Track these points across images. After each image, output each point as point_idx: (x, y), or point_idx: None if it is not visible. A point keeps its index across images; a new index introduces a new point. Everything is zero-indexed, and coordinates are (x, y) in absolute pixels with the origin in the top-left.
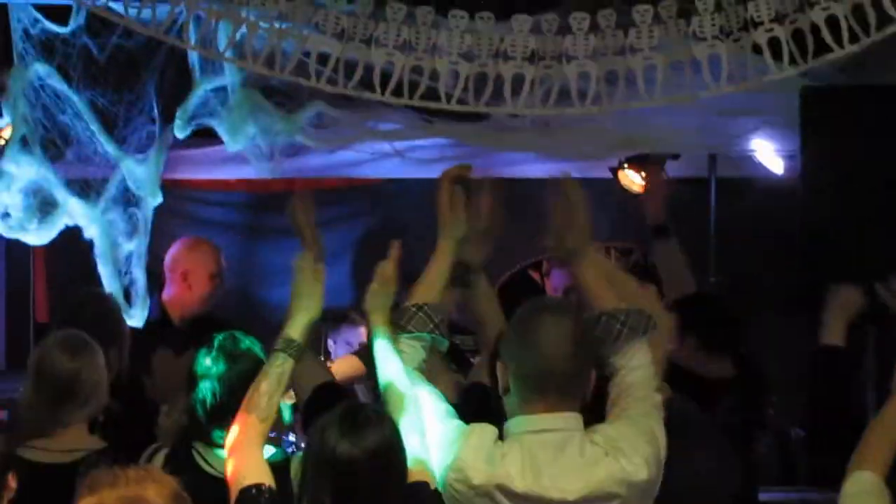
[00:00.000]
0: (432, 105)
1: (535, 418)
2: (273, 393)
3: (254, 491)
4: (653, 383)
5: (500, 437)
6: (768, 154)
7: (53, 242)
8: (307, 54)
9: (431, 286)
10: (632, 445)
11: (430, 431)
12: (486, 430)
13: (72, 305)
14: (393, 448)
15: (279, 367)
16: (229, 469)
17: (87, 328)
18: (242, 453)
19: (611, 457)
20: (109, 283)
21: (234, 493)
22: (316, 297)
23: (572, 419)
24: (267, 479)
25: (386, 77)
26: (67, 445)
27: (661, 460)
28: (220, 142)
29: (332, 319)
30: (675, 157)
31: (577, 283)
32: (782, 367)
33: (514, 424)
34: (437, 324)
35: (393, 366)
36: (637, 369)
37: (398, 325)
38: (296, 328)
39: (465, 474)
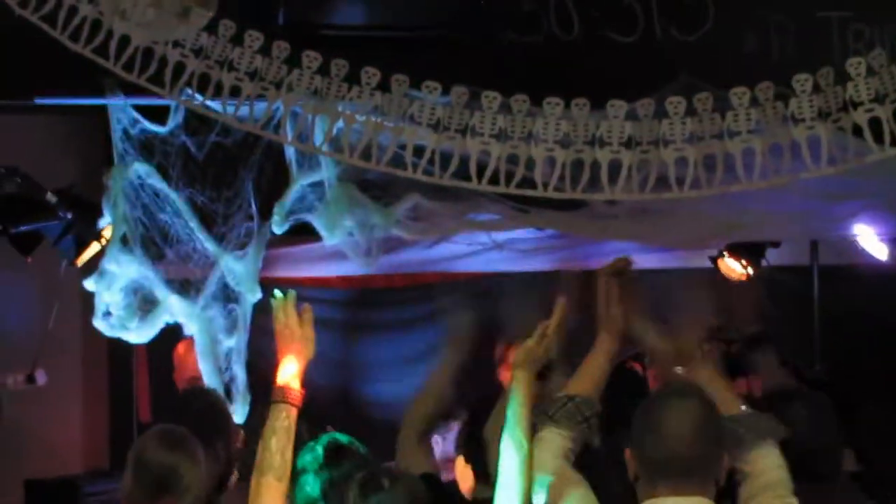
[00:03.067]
0: (529, 193)
1: (661, 501)
2: (285, 448)
3: None
4: (789, 486)
5: None
6: (871, 239)
7: (156, 341)
8: (403, 146)
9: (586, 379)
10: None
11: None
12: None
13: (177, 401)
14: None
15: (284, 419)
16: None
17: (193, 423)
18: None
19: None
20: (210, 380)
21: None
22: (307, 341)
23: (700, 503)
24: None
25: (482, 167)
26: None
27: None
28: (319, 238)
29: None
30: (776, 244)
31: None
32: (890, 457)
33: None
34: (586, 417)
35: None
36: (766, 472)
37: (546, 415)
38: (290, 375)
39: None
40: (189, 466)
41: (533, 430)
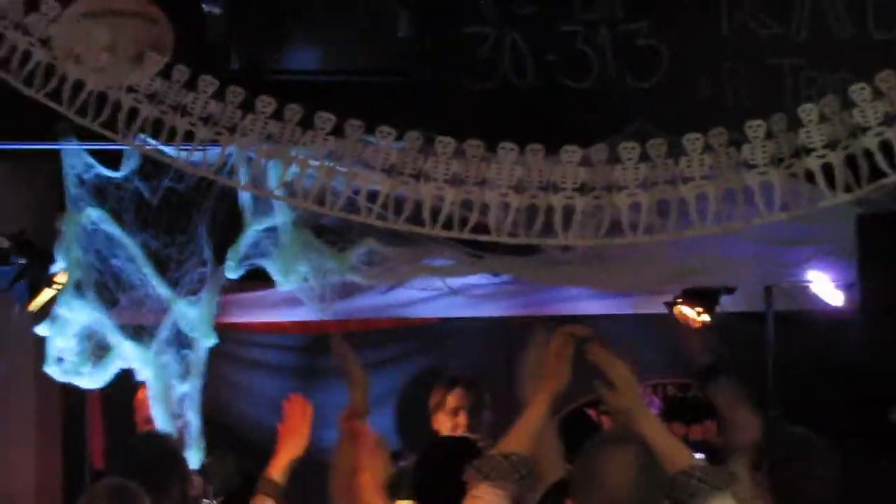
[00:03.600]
0: (482, 238)
1: None
2: None
3: None
4: None
5: None
6: (825, 285)
7: (109, 387)
8: (357, 192)
9: (522, 436)
10: None
11: None
12: None
13: (129, 447)
14: None
15: None
16: None
17: (147, 470)
18: None
19: None
20: (163, 426)
21: None
22: (303, 436)
23: None
24: None
25: (436, 212)
26: None
27: None
28: (273, 283)
29: None
30: (731, 291)
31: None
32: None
33: None
34: (522, 476)
35: None
36: None
37: (481, 473)
38: (278, 469)
39: None
40: None
41: None
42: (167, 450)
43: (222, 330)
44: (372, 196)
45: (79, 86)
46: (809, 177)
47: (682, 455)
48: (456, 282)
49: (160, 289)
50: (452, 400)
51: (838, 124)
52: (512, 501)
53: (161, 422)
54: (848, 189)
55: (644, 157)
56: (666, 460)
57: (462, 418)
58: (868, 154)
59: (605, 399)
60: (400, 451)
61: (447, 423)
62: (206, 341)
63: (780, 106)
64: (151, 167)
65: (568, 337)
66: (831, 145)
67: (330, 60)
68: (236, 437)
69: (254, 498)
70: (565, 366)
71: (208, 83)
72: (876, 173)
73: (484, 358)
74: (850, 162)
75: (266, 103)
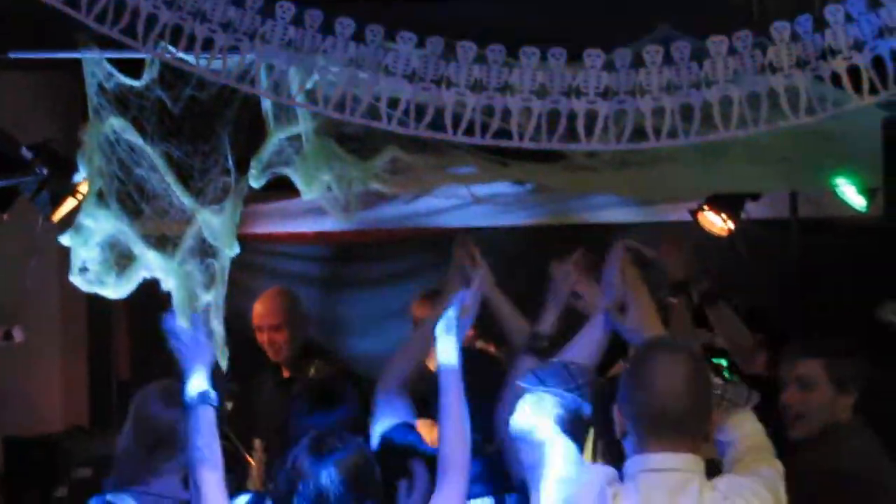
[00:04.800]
0: (504, 143)
1: (651, 457)
2: (211, 442)
3: None
4: (772, 449)
5: (621, 478)
6: (850, 190)
7: (135, 298)
8: (378, 98)
9: (583, 347)
10: (755, 494)
11: (549, 470)
12: (603, 471)
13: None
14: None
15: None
16: None
17: None
18: None
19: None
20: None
21: None
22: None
23: (691, 461)
24: None
25: (457, 118)
26: (158, 492)
27: None
28: (296, 192)
29: None
30: (756, 197)
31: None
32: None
33: (630, 464)
34: (579, 385)
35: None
36: (749, 437)
37: (539, 379)
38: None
39: None
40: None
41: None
42: None
43: (245, 241)
44: (393, 103)
45: None
46: (835, 80)
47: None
48: (480, 190)
49: (183, 198)
50: None
51: (864, 25)
52: (564, 409)
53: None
54: (874, 91)
55: (668, 61)
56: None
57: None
58: (895, 56)
59: (615, 320)
60: None
61: None
62: (230, 251)
63: (808, 7)
64: (173, 76)
65: (630, 254)
66: (858, 47)
67: None
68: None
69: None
70: (624, 283)
71: None
72: None
73: (508, 266)
74: (877, 64)
75: (285, 9)
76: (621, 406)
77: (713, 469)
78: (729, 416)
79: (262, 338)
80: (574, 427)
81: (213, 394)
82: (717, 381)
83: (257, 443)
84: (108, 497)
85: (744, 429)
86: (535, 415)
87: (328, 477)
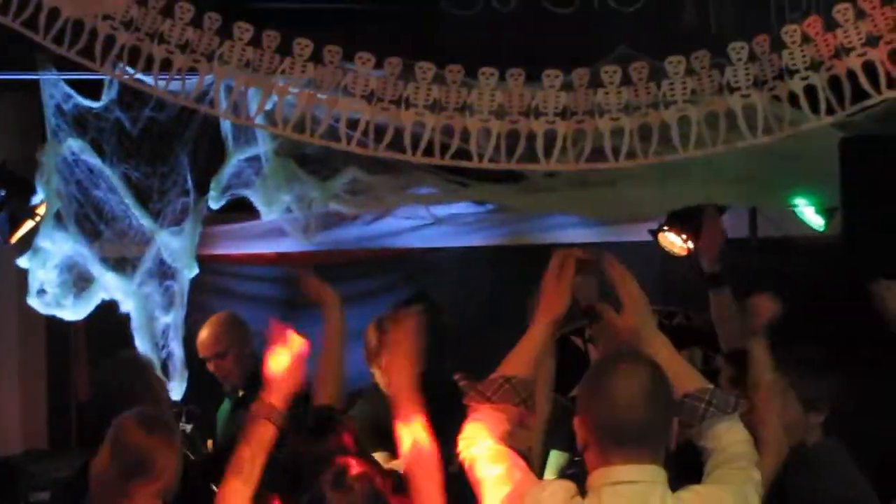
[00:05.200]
0: (464, 164)
1: (614, 470)
2: (255, 458)
3: None
4: (753, 458)
5: (582, 493)
6: (808, 209)
7: (93, 318)
8: (337, 119)
9: (522, 360)
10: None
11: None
12: (562, 485)
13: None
14: None
15: (264, 434)
16: None
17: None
18: None
19: None
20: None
21: None
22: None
23: (653, 471)
24: None
25: (416, 138)
26: None
27: None
28: (256, 213)
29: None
30: (722, 210)
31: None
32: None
33: (593, 478)
34: (523, 399)
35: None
36: (732, 445)
37: (484, 396)
38: (281, 398)
39: None
40: (166, 451)
41: None
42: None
43: (205, 262)
44: (352, 124)
45: (55, 13)
46: (793, 100)
47: (691, 378)
48: (441, 211)
49: (142, 219)
50: None
51: (821, 45)
52: (511, 424)
53: (144, 353)
54: (831, 111)
55: (626, 81)
56: (676, 382)
57: None
58: (851, 75)
59: (610, 321)
60: None
61: None
62: (189, 272)
63: (765, 29)
64: (132, 97)
65: (569, 259)
66: (814, 67)
67: None
68: None
69: (256, 419)
70: (565, 289)
71: (185, 9)
72: (859, 96)
73: (468, 287)
74: (834, 84)
75: (244, 30)
76: (582, 418)
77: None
78: (714, 424)
79: (211, 367)
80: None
81: (280, 414)
82: (705, 387)
83: None
84: None
85: (728, 437)
86: (485, 431)
87: None
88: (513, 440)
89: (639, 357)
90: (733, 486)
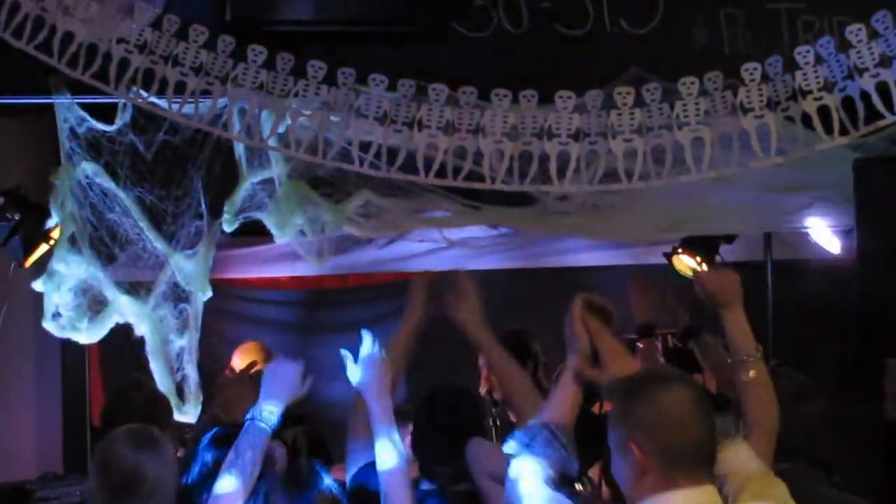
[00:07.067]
0: (476, 186)
1: (681, 493)
2: (256, 461)
3: None
4: (770, 473)
5: None
6: (823, 231)
7: (108, 342)
8: (350, 141)
9: (558, 405)
10: None
11: None
12: None
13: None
14: None
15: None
16: None
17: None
18: None
19: None
20: (161, 380)
21: None
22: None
23: (714, 491)
24: None
25: (429, 160)
26: None
27: None
28: (270, 236)
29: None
30: (730, 240)
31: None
32: (841, 446)
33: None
34: (563, 444)
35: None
36: (743, 467)
37: (523, 445)
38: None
39: None
40: (155, 467)
41: None
42: (150, 398)
43: (220, 286)
44: (365, 146)
45: (69, 37)
46: (806, 121)
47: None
48: (454, 235)
49: (156, 243)
50: None
51: (835, 66)
52: (552, 469)
53: (159, 377)
54: (844, 132)
55: (639, 103)
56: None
57: None
58: (865, 97)
59: (590, 376)
60: (401, 405)
61: None
62: (203, 295)
63: (778, 51)
64: (145, 120)
65: (587, 305)
66: (828, 87)
67: (322, 9)
68: None
69: (256, 425)
70: (585, 331)
71: (199, 32)
72: (872, 116)
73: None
74: (848, 105)
75: (257, 52)
76: (643, 442)
77: None
78: (721, 451)
79: None
80: (566, 486)
81: (277, 426)
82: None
83: None
84: None
85: (734, 464)
86: (532, 482)
87: None
88: None
89: (683, 375)
90: (777, 498)
